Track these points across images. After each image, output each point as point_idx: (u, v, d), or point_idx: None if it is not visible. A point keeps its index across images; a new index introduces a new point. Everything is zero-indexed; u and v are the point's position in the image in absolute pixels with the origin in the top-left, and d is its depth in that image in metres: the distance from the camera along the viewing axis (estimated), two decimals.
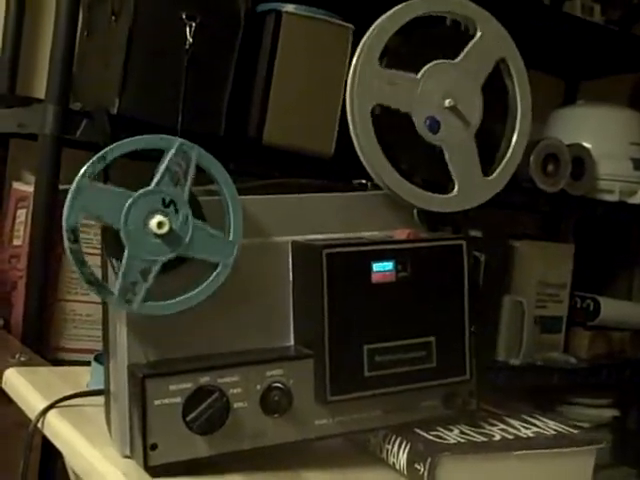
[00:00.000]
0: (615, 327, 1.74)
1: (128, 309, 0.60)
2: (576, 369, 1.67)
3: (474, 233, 1.16)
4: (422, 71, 0.71)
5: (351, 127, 0.70)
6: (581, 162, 1.61)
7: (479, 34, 0.73)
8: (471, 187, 0.73)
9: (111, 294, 0.60)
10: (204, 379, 0.60)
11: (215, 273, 0.61)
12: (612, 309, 1.73)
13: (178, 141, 0.61)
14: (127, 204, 0.59)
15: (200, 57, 1.17)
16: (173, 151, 0.60)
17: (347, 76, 0.71)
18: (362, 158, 0.70)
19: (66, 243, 0.59)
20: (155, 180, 0.60)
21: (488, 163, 0.76)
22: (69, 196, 0.59)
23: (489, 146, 0.76)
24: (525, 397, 1.60)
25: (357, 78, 0.70)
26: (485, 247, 1.42)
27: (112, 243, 0.60)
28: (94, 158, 0.59)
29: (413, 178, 0.72)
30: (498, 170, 0.75)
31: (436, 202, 0.72)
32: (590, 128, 1.71)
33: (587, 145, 1.64)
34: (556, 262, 1.68)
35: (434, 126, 0.71)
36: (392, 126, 0.71)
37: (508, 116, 0.76)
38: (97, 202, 0.59)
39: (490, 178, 0.74)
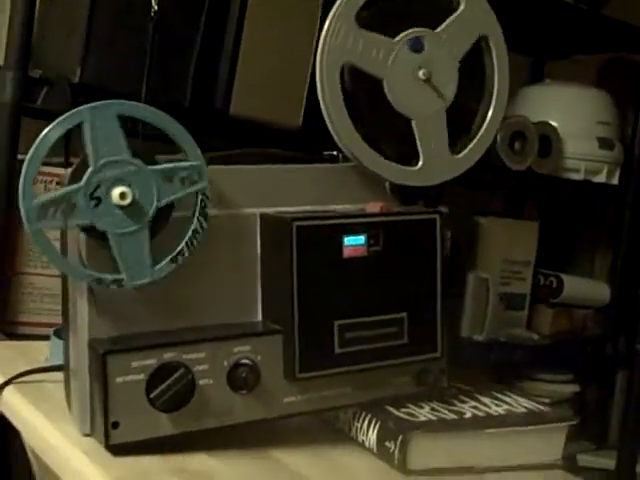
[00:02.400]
0: (577, 304, 1.75)
1: (147, 281, 0.58)
2: (538, 345, 1.68)
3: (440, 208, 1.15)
4: (399, 36, 0.69)
5: (319, 92, 0.68)
6: (548, 140, 1.61)
7: (462, 7, 0.71)
8: (438, 162, 0.72)
9: (121, 281, 0.58)
10: (168, 355, 0.58)
11: (197, 203, 0.59)
12: (575, 287, 1.74)
13: (86, 109, 0.57)
14: (81, 199, 0.56)
15: (165, 25, 1.14)
16: (89, 121, 0.57)
17: (316, 47, 0.69)
18: (329, 126, 0.68)
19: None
20: (91, 158, 0.57)
21: (459, 139, 0.74)
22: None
23: (461, 123, 0.74)
24: (487, 373, 1.60)
25: (331, 31, 0.67)
26: (451, 223, 1.41)
27: (92, 238, 0.58)
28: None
29: (383, 149, 0.70)
30: (469, 147, 0.73)
31: (402, 175, 0.71)
32: (557, 107, 1.71)
33: (554, 124, 1.64)
34: (521, 239, 1.68)
35: (417, 45, 0.69)
36: (362, 93, 0.69)
37: (484, 95, 0.74)
38: (54, 215, 0.56)
39: (460, 155, 0.73)
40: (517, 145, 1.56)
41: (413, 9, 0.71)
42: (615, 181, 1.69)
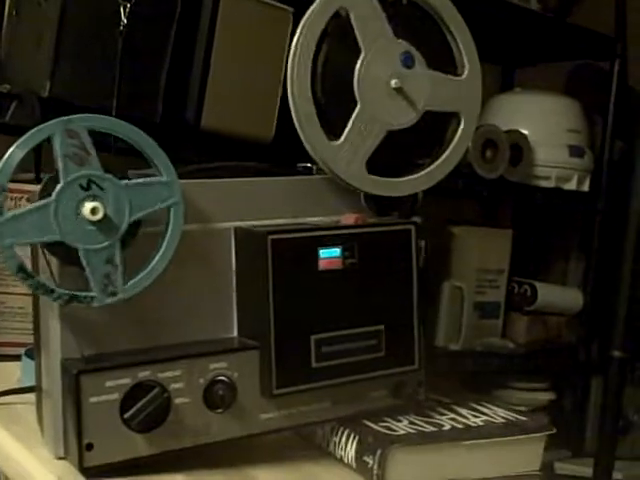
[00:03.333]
0: (551, 312, 1.76)
1: (120, 300, 0.57)
2: (514, 354, 1.68)
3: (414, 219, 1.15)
4: (371, 48, 0.69)
5: (291, 103, 0.67)
6: (519, 148, 1.62)
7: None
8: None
9: (93, 299, 0.57)
10: (143, 374, 0.57)
11: (171, 217, 0.58)
12: (548, 294, 1.74)
13: (58, 122, 0.56)
14: (52, 212, 0.55)
15: (135, 39, 1.13)
16: (60, 134, 0.56)
17: (287, 60, 0.68)
18: (302, 138, 0.68)
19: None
20: (61, 173, 0.56)
21: (432, 150, 0.74)
22: None
23: (435, 130, 0.74)
24: (463, 382, 1.60)
25: (301, 42, 0.67)
26: (425, 233, 1.41)
27: (64, 254, 0.57)
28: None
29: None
30: (442, 158, 0.73)
31: (380, 186, 0.70)
32: (527, 115, 1.72)
33: (525, 132, 1.65)
34: (495, 248, 1.69)
35: (408, 61, 0.69)
36: (334, 103, 0.69)
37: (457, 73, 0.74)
38: (22, 230, 0.55)
39: (434, 166, 0.73)
40: (488, 153, 1.57)
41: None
42: (586, 188, 1.70)
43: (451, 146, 0.74)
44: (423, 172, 0.73)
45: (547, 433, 0.68)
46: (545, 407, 1.73)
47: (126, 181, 0.58)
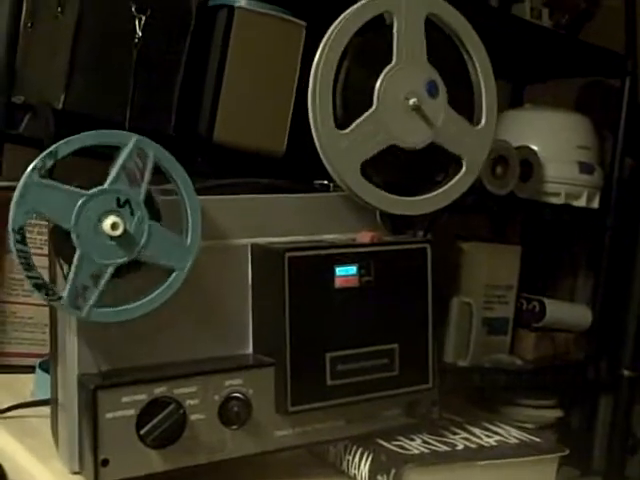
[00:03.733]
0: (560, 328, 1.75)
1: (77, 315, 0.57)
2: (522, 371, 1.67)
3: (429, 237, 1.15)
4: (385, 71, 0.69)
5: (312, 119, 0.68)
6: (529, 165, 1.62)
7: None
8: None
9: (59, 299, 0.56)
10: (159, 390, 0.57)
11: (170, 279, 0.58)
12: (557, 311, 1.74)
13: (135, 137, 0.58)
14: (79, 203, 0.56)
15: (150, 52, 1.14)
16: (130, 147, 0.57)
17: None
18: (322, 155, 0.68)
19: (13, 244, 0.55)
20: (110, 178, 0.57)
21: (449, 168, 0.74)
22: (16, 194, 0.55)
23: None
24: (470, 398, 1.60)
25: (323, 59, 0.67)
26: (435, 249, 1.41)
27: (62, 245, 0.57)
28: (44, 153, 0.56)
29: (374, 179, 0.70)
30: (459, 176, 0.74)
31: (399, 205, 0.70)
32: (538, 131, 1.72)
33: (535, 148, 1.65)
34: (503, 264, 1.68)
35: (433, 89, 0.70)
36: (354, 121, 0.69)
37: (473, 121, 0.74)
38: (47, 201, 0.55)
39: (450, 184, 0.73)
40: (499, 169, 1.57)
41: None
42: (595, 205, 1.70)
43: (466, 165, 0.74)
44: (439, 190, 0.73)
45: (560, 454, 0.68)
46: (553, 425, 1.72)
47: (155, 223, 0.58)
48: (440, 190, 0.73)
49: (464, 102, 0.74)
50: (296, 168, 0.88)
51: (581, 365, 1.73)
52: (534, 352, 1.72)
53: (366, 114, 0.68)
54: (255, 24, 1.24)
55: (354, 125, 0.68)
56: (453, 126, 0.72)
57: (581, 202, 1.69)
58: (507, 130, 1.72)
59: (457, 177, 0.73)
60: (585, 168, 1.69)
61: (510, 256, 1.68)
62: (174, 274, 0.58)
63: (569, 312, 1.78)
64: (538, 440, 0.69)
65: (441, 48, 0.72)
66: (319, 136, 0.67)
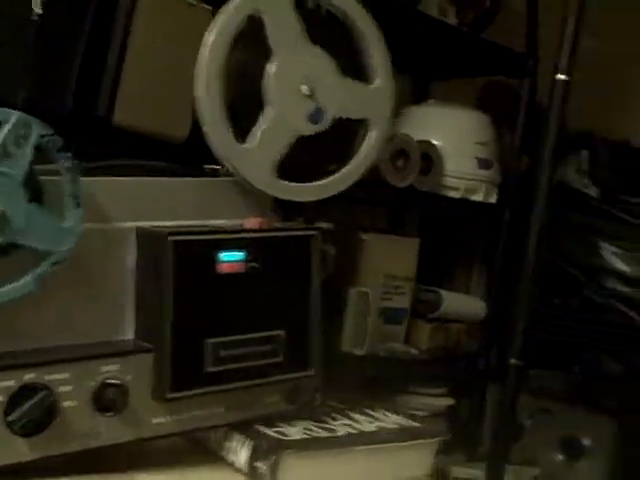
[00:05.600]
0: (454, 319, 1.79)
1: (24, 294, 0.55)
2: (416, 360, 1.70)
3: (325, 225, 1.16)
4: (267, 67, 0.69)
5: (199, 104, 0.67)
6: (429, 159, 1.65)
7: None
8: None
9: None
10: (29, 376, 0.56)
11: (48, 262, 0.57)
12: (452, 302, 1.78)
13: (16, 114, 0.56)
14: None
15: (48, 28, 1.10)
16: (10, 125, 0.55)
17: None
18: (209, 139, 0.67)
19: None
20: None
21: (343, 154, 0.75)
22: None
23: (345, 137, 0.75)
24: (365, 387, 1.62)
25: (211, 43, 0.67)
26: (335, 239, 1.43)
27: None
28: None
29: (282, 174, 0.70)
30: (353, 162, 0.74)
31: (289, 191, 0.71)
32: (439, 127, 1.75)
33: (435, 142, 1.68)
34: (402, 255, 1.71)
35: (318, 116, 0.70)
36: (243, 106, 0.69)
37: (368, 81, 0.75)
38: None
39: (344, 170, 0.74)
40: (400, 162, 1.59)
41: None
42: (492, 200, 1.74)
43: (360, 153, 0.75)
44: (332, 178, 0.73)
45: (439, 439, 0.70)
46: (444, 412, 1.76)
47: (34, 204, 0.56)
48: (333, 177, 0.74)
49: (356, 66, 0.74)
50: (197, 155, 0.87)
51: (473, 355, 1.77)
52: (429, 342, 1.75)
53: (262, 118, 0.68)
54: (160, 6, 1.22)
55: (255, 135, 0.68)
56: (349, 93, 0.73)
57: (479, 197, 1.73)
58: (410, 125, 1.75)
59: (365, 143, 0.73)
60: (483, 164, 1.73)
61: (408, 248, 1.71)
62: (52, 258, 0.57)
63: (464, 304, 1.83)
64: (417, 425, 0.71)
65: (321, 21, 0.73)
66: (219, 150, 0.67)
